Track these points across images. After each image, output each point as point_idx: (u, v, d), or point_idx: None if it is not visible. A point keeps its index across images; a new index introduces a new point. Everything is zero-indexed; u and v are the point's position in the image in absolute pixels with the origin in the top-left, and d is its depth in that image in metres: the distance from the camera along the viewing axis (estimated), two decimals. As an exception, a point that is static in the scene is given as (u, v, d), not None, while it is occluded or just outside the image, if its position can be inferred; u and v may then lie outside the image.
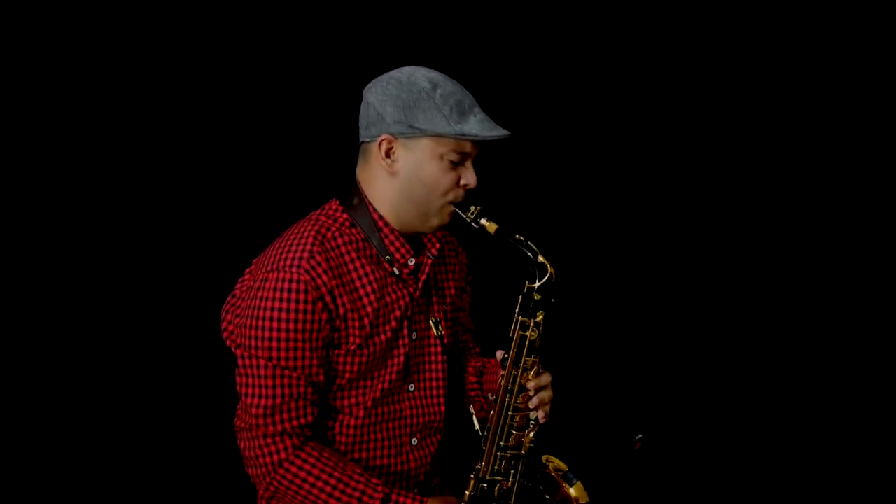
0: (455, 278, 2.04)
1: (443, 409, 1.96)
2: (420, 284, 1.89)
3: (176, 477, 2.45)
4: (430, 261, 1.90)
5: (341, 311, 1.75)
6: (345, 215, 1.83)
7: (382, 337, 1.81)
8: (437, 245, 1.93)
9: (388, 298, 1.83)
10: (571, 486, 1.87)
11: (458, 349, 2.14)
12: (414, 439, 1.91)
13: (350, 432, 1.84)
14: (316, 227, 1.79)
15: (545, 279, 1.80)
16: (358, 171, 1.86)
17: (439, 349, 1.94)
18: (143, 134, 2.36)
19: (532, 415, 1.84)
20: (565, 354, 2.34)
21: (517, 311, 1.82)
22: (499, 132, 1.78)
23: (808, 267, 2.92)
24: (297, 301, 1.70)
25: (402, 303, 1.85)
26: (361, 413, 1.84)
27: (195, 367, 2.45)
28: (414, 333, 1.89)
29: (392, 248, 1.84)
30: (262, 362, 1.72)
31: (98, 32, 2.24)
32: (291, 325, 1.70)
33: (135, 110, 2.32)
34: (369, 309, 1.78)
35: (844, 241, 2.89)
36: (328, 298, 1.73)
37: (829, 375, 2.91)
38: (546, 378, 1.86)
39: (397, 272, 1.84)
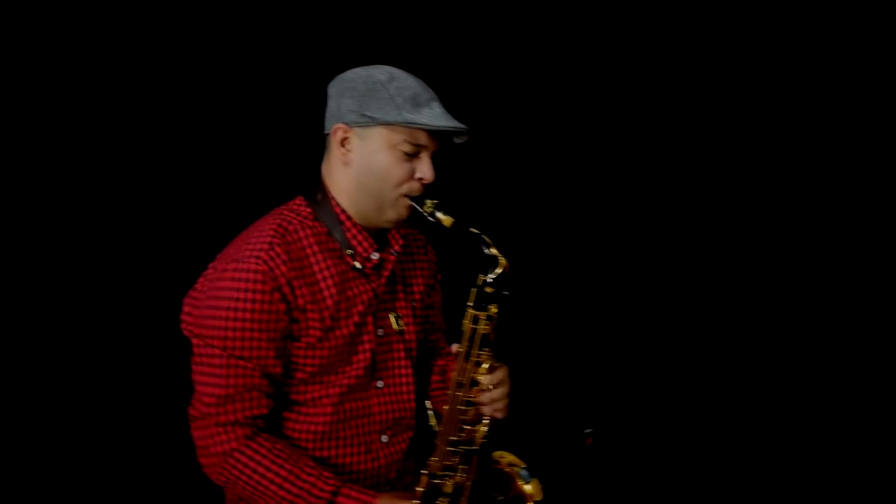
0: (423, 275, 2.04)
1: (412, 405, 1.94)
2: (383, 280, 1.89)
3: (170, 476, 2.46)
4: (393, 256, 1.91)
5: (300, 302, 1.76)
6: (308, 209, 1.85)
7: (344, 331, 1.82)
8: (401, 241, 1.93)
9: (349, 293, 1.83)
10: (527, 483, 1.84)
11: (428, 348, 2.13)
12: (384, 436, 1.90)
13: (318, 428, 1.84)
14: (277, 221, 1.82)
15: (498, 272, 1.79)
16: (322, 165, 1.89)
17: (401, 346, 1.93)
18: (112, 135, 2.38)
19: (485, 409, 1.82)
20: (523, 348, 2.32)
21: (470, 304, 1.81)
22: (450, 124, 1.79)
23: (773, 259, 2.89)
24: (255, 291, 1.71)
25: (364, 297, 1.85)
26: (329, 409, 1.83)
27: (174, 365, 2.48)
28: (380, 330, 1.89)
29: (354, 242, 1.85)
30: (216, 351, 1.72)
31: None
32: (248, 315, 1.71)
33: (108, 110, 2.36)
34: (329, 302, 1.79)
35: (813, 241, 2.86)
36: (286, 289, 1.74)
37: (794, 365, 2.88)
38: (501, 373, 1.84)
39: (359, 266, 1.85)
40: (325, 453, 1.84)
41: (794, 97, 2.88)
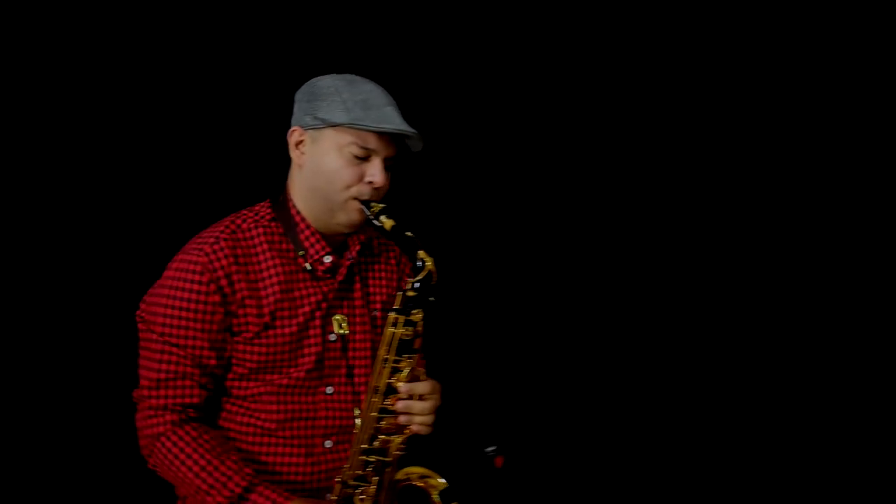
0: (390, 286, 2.01)
1: (350, 414, 1.89)
2: (335, 284, 1.89)
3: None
4: (348, 262, 1.91)
5: (238, 296, 1.79)
6: (268, 211, 1.91)
7: (286, 331, 1.83)
8: (358, 246, 1.93)
9: (296, 293, 1.85)
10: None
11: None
12: (328, 442, 1.86)
13: (261, 424, 1.83)
14: (232, 219, 1.89)
15: (422, 276, 1.73)
16: (289, 171, 1.97)
17: (345, 352, 1.89)
18: (98, 137, 2.46)
19: (401, 419, 1.73)
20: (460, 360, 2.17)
21: (395, 307, 1.76)
22: (396, 127, 1.79)
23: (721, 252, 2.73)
24: (192, 282, 1.77)
25: (312, 299, 1.86)
26: (272, 407, 1.83)
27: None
28: (332, 335, 1.88)
29: (307, 244, 1.87)
30: (154, 336, 1.79)
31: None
32: (184, 304, 1.77)
33: (98, 112, 2.44)
34: (270, 299, 1.82)
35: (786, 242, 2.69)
36: (224, 282, 1.78)
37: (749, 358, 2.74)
38: (425, 386, 1.75)
39: (310, 268, 1.87)
40: (268, 450, 1.84)
41: (786, 97, 2.72)
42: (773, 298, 2.77)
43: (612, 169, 2.87)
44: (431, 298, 1.75)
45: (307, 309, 1.85)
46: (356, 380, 1.89)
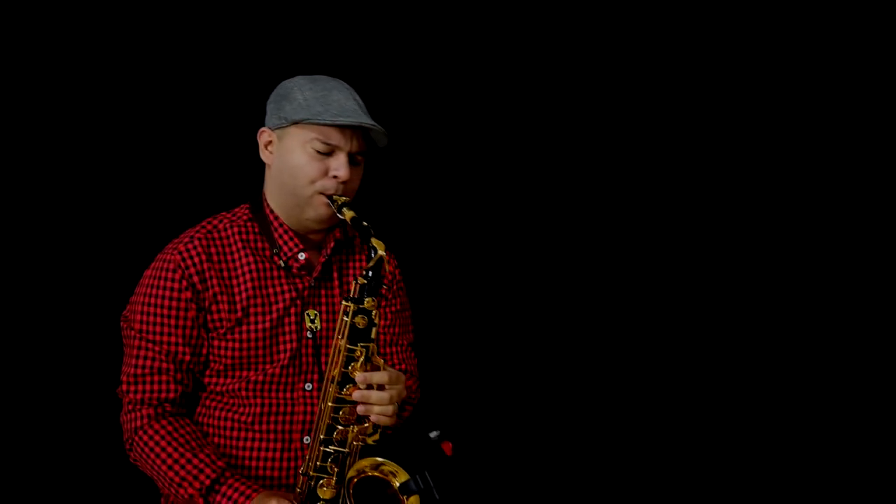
0: None
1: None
2: (309, 280, 1.91)
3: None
4: (322, 258, 1.93)
5: (210, 293, 1.84)
6: (246, 212, 1.96)
7: (259, 327, 1.86)
8: (332, 243, 1.95)
9: (270, 290, 1.88)
10: (407, 497, 1.67)
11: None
12: (306, 437, 1.87)
13: (240, 418, 1.86)
14: (209, 220, 1.96)
15: (373, 262, 1.72)
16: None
17: (317, 347, 1.89)
18: (97, 137, 2.47)
19: (360, 409, 1.71)
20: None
21: (348, 296, 1.75)
22: (354, 120, 1.80)
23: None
24: (165, 279, 1.84)
25: (286, 296, 1.89)
26: (249, 402, 1.86)
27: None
28: (309, 332, 1.91)
29: (280, 242, 1.91)
30: (133, 333, 1.86)
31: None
32: (157, 301, 1.84)
33: (97, 112, 2.43)
34: (243, 296, 1.86)
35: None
36: (196, 279, 1.84)
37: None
38: (382, 375, 1.72)
39: (283, 264, 1.90)
40: (245, 444, 1.86)
41: (786, 97, 2.58)
42: (772, 298, 2.64)
43: (603, 165, 2.78)
44: (383, 288, 1.73)
45: (281, 305, 1.87)
46: (326, 375, 1.89)
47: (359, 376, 1.72)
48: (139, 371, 1.84)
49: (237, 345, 1.85)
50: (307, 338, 1.88)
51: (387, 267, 1.73)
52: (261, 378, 1.85)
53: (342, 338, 1.73)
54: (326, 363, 1.80)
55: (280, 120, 1.85)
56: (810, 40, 2.56)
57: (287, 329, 1.87)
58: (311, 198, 1.85)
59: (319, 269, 1.92)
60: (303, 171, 1.83)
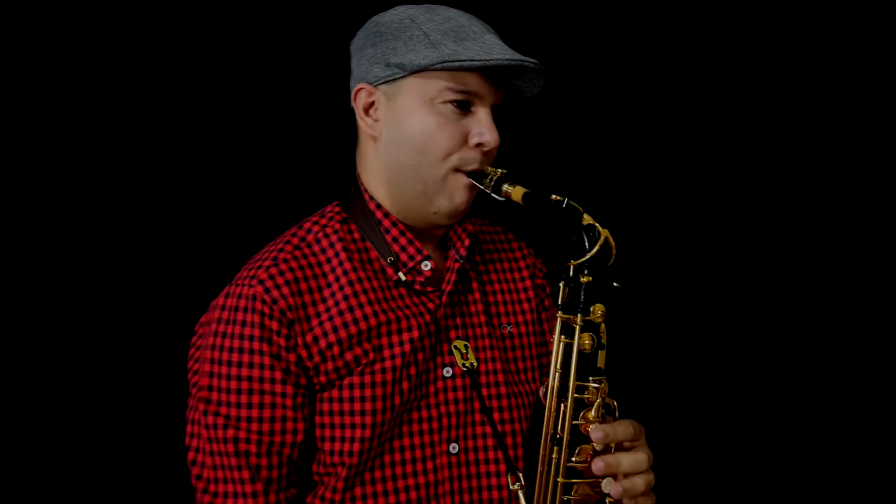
0: (517, 289, 1.40)
1: (504, 480, 1.25)
2: (444, 298, 1.27)
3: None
4: (457, 264, 1.29)
5: (309, 336, 1.20)
6: (339, 211, 1.32)
7: (386, 376, 1.21)
8: (467, 240, 1.32)
9: (391, 315, 1.24)
10: None
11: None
12: None
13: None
14: (294, 231, 1.31)
15: (595, 249, 1.11)
16: (356, 152, 1.36)
17: (476, 389, 1.26)
18: (153, 134, 2.09)
19: (609, 489, 1.07)
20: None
21: (557, 304, 1.13)
22: (512, 56, 1.20)
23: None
24: (246, 323, 1.19)
25: (416, 322, 1.24)
26: (374, 481, 1.22)
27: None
28: (448, 369, 1.26)
29: (396, 247, 1.27)
30: (203, 406, 1.21)
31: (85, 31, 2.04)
32: (238, 358, 1.19)
33: (140, 110, 2.07)
34: (352, 330, 1.21)
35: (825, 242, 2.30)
36: (289, 315, 1.20)
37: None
38: (626, 427, 1.11)
39: (404, 278, 1.25)
40: None
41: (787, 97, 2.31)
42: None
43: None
44: (616, 284, 1.12)
45: (406, 337, 1.23)
46: (501, 428, 1.25)
47: (597, 430, 1.08)
48: (217, 466, 1.18)
49: (346, 405, 1.20)
50: (447, 377, 1.26)
51: (613, 249, 1.13)
52: (396, 444, 1.22)
53: (566, 370, 1.10)
54: (487, 409, 1.21)
55: (390, 69, 1.23)
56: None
57: (416, 370, 1.23)
58: (446, 179, 1.24)
59: (454, 280, 1.28)
60: (434, 142, 1.22)
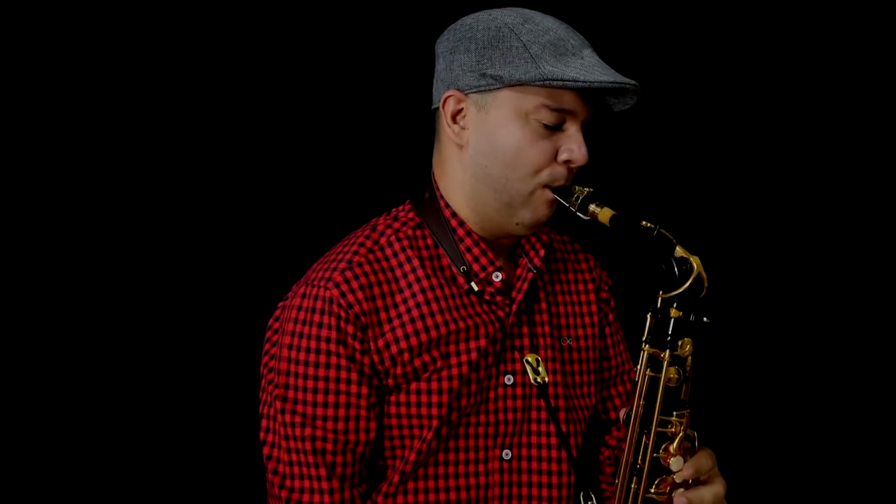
0: (582, 301, 1.41)
1: (556, 493, 1.28)
2: (514, 307, 1.28)
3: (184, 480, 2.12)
4: (530, 274, 1.30)
5: (381, 341, 1.22)
6: (412, 214, 1.33)
7: (452, 383, 1.23)
8: (542, 251, 1.32)
9: (462, 323, 1.25)
10: None
11: (599, 417, 1.44)
12: None
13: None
14: (366, 230, 1.32)
15: (688, 283, 1.11)
16: (433, 155, 1.35)
17: (542, 403, 1.28)
18: (214, 130, 2.10)
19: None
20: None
21: (644, 338, 1.13)
22: (614, 78, 1.18)
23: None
24: (322, 325, 1.21)
25: (484, 331, 1.25)
26: (427, 481, 1.26)
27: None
28: (508, 377, 1.28)
29: (469, 257, 1.28)
30: (280, 404, 1.24)
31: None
32: (315, 358, 1.21)
33: (206, 108, 2.08)
34: (422, 338, 1.22)
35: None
36: (363, 320, 1.22)
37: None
38: (707, 460, 1.12)
39: (476, 288, 1.26)
40: None
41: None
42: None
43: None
44: (706, 319, 1.12)
45: (482, 343, 1.25)
46: (555, 441, 1.28)
47: (677, 464, 1.10)
48: (294, 462, 1.21)
49: (413, 409, 1.23)
50: (507, 385, 1.28)
51: (705, 283, 1.13)
52: (451, 446, 1.26)
53: (650, 402, 1.11)
54: (555, 419, 1.24)
55: (485, 79, 1.21)
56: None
57: (483, 377, 1.26)
58: (532, 194, 1.24)
59: (525, 290, 1.29)
60: (523, 156, 1.22)
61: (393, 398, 1.23)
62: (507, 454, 1.27)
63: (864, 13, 2.23)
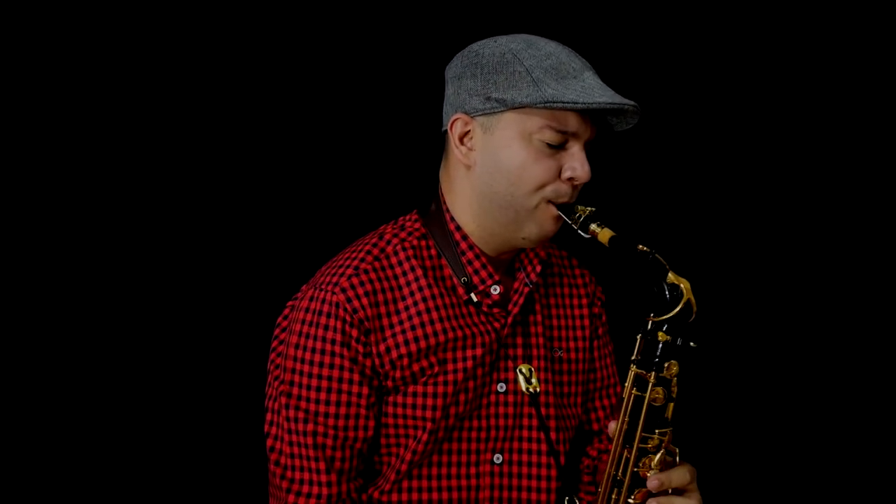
0: (575, 315, 1.47)
1: (544, 497, 1.35)
2: (510, 319, 1.34)
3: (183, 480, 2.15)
4: (526, 288, 1.36)
5: (382, 346, 1.29)
6: (418, 225, 1.38)
7: (448, 388, 1.30)
8: (538, 266, 1.38)
9: (460, 332, 1.32)
10: None
11: (583, 427, 1.51)
12: None
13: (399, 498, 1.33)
14: (373, 238, 1.38)
15: (677, 309, 1.16)
16: (440, 170, 1.41)
17: (533, 411, 1.36)
18: (215, 132, 2.12)
19: (655, 526, 1.17)
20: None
21: (633, 357, 1.19)
22: (613, 100, 1.23)
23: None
24: (327, 328, 1.28)
25: (481, 340, 1.32)
26: (420, 480, 1.33)
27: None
28: (501, 385, 1.35)
29: (469, 269, 1.34)
30: (284, 399, 1.31)
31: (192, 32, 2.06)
32: (320, 359, 1.29)
33: (205, 110, 2.10)
34: (421, 345, 1.29)
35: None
36: (367, 325, 1.28)
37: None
38: (682, 475, 1.20)
39: (475, 299, 1.32)
40: None
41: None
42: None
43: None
44: (692, 343, 1.18)
45: (469, 353, 1.31)
46: (544, 447, 1.36)
47: (654, 479, 1.17)
48: (295, 455, 1.28)
49: (409, 411, 1.30)
50: (500, 393, 1.35)
51: (693, 310, 1.18)
52: (444, 447, 1.33)
53: (633, 419, 1.18)
54: (545, 427, 1.31)
55: (490, 103, 1.27)
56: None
57: (478, 384, 1.32)
58: (536, 209, 1.30)
59: (521, 304, 1.35)
60: (527, 174, 1.27)
61: (391, 399, 1.29)
62: (498, 458, 1.34)
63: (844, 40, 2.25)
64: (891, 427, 2.31)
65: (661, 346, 1.17)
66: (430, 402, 1.28)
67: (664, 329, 1.17)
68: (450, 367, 1.30)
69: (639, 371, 1.18)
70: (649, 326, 1.19)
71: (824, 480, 2.32)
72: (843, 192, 2.30)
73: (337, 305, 1.27)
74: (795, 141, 2.30)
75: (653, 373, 1.17)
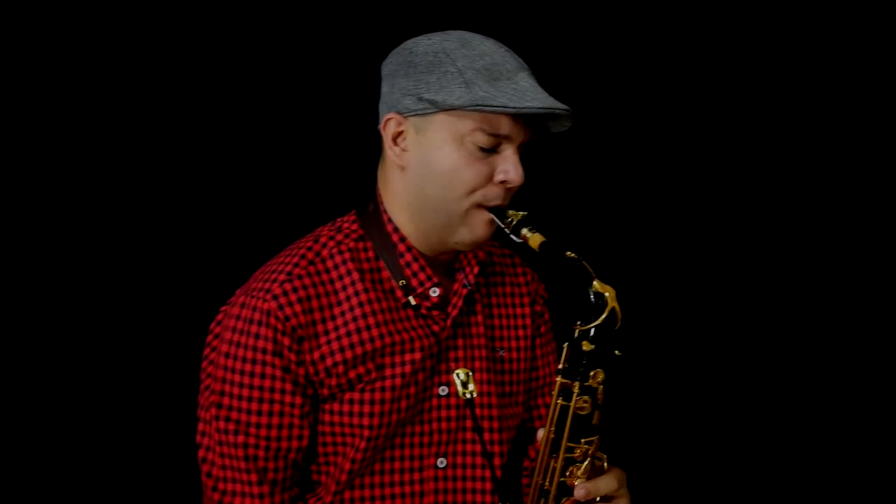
0: (517, 315, 1.46)
1: (489, 499, 1.34)
2: (449, 321, 1.33)
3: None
4: (465, 290, 1.34)
5: (317, 353, 1.27)
6: (355, 226, 1.36)
7: (385, 395, 1.28)
8: (476, 268, 1.37)
9: (397, 336, 1.30)
10: None
11: (524, 426, 1.50)
12: None
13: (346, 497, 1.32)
14: (308, 241, 1.35)
15: (602, 318, 1.15)
16: (378, 169, 1.39)
17: (468, 412, 1.34)
18: (152, 136, 2.11)
19: (583, 534, 1.16)
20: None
21: (560, 366, 1.18)
22: (543, 104, 1.21)
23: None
24: (259, 336, 1.25)
25: (420, 344, 1.31)
26: (363, 486, 1.32)
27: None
28: (443, 387, 1.33)
29: (408, 272, 1.32)
30: (215, 411, 1.29)
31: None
32: (251, 368, 1.26)
33: (148, 111, 2.08)
34: (357, 351, 1.27)
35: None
36: (300, 333, 1.26)
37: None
38: (609, 482, 1.19)
39: (413, 303, 1.31)
40: None
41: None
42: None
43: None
44: (617, 352, 1.17)
45: (409, 358, 1.30)
46: (490, 448, 1.35)
47: (580, 488, 1.17)
48: (227, 466, 1.27)
49: (346, 419, 1.28)
50: (441, 396, 1.33)
51: (618, 318, 1.17)
52: (387, 454, 1.32)
53: (559, 429, 1.17)
54: (479, 429, 1.30)
55: (421, 103, 1.24)
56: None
57: (415, 390, 1.31)
58: (468, 213, 1.27)
59: (460, 306, 1.34)
60: (459, 177, 1.25)
61: (328, 407, 1.28)
62: (441, 462, 1.33)
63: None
64: (829, 428, 2.32)
65: (586, 354, 1.15)
66: (367, 409, 1.27)
67: (590, 337, 1.16)
68: (388, 372, 1.28)
69: (564, 381, 1.17)
70: (576, 335, 1.17)
71: (755, 474, 2.35)
72: (772, 188, 2.31)
73: (268, 313, 1.25)
74: (721, 139, 2.30)
75: (577, 382, 1.16)
